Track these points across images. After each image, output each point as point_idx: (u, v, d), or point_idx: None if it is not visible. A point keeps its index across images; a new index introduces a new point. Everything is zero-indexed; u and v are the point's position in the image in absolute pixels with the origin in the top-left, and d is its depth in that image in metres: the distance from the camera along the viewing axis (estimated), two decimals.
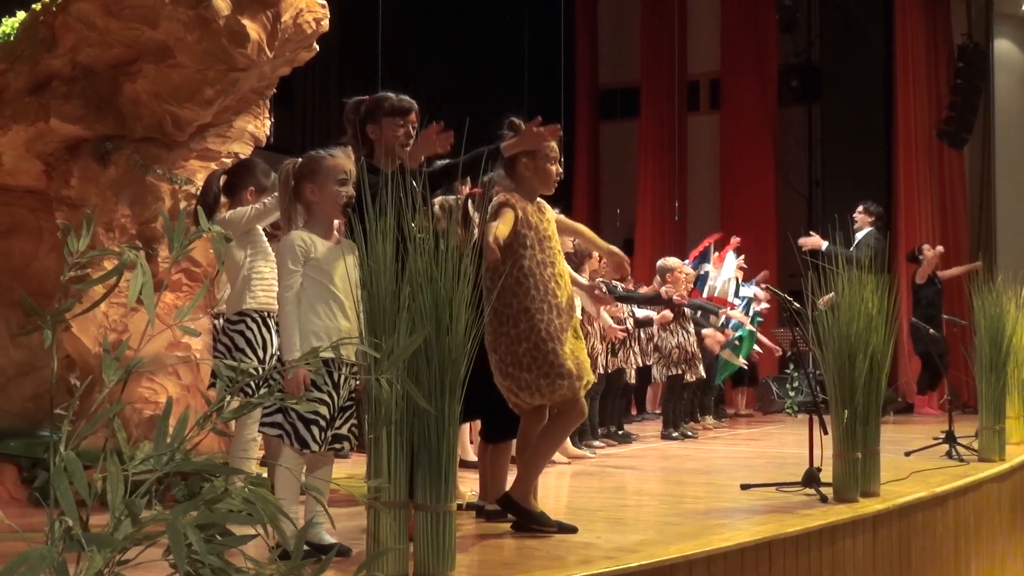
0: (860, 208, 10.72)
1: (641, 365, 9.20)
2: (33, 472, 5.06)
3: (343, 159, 4.02)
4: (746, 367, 11.13)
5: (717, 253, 10.63)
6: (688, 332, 9.36)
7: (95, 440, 2.48)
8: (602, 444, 8.19)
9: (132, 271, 2.20)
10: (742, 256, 10.90)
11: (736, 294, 10.70)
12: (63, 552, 2.01)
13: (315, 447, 3.73)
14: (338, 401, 3.78)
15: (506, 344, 4.29)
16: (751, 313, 10.82)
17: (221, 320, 5.10)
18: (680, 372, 9.27)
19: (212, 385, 4.84)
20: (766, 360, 13.58)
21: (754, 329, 10.96)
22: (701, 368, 9.53)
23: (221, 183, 4.93)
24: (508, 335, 4.29)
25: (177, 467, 2.19)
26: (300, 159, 4.10)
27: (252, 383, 4.41)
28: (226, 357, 4.60)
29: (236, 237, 4.71)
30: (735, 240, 10.75)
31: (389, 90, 4.55)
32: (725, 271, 10.44)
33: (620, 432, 8.77)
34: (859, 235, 10.42)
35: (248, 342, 4.73)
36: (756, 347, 11.40)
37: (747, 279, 11.12)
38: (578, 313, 6.85)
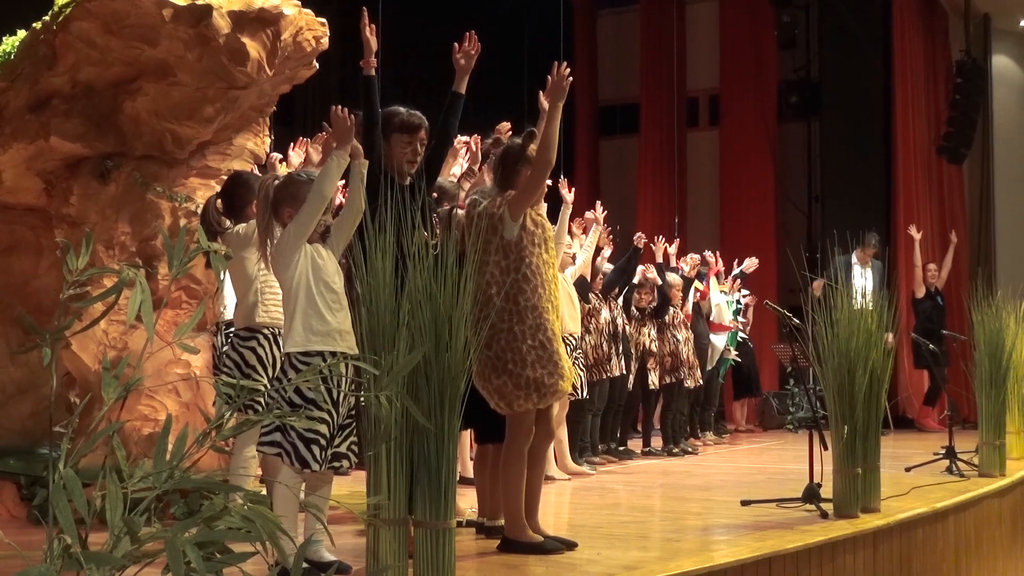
0: (875, 242, 10.75)
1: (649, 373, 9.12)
2: (32, 490, 5.05)
3: None
4: (739, 360, 11.09)
5: (703, 285, 10.46)
6: (679, 340, 9.32)
7: (94, 458, 2.48)
8: (602, 460, 8.18)
9: (131, 289, 2.21)
10: (728, 277, 10.89)
11: (733, 314, 10.70)
12: (62, 570, 2.01)
13: (315, 466, 3.72)
14: (337, 419, 3.77)
15: (507, 340, 4.22)
16: (733, 309, 10.80)
17: (223, 335, 5.04)
18: (676, 380, 9.25)
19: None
20: (767, 375, 13.57)
21: (737, 326, 10.96)
22: (699, 373, 9.50)
23: (218, 205, 4.81)
24: (511, 332, 4.22)
25: (176, 485, 2.19)
26: (281, 178, 4.09)
27: (261, 401, 4.39)
28: (234, 373, 4.50)
29: (249, 249, 4.64)
30: (716, 268, 10.68)
31: (389, 107, 4.55)
32: (713, 298, 10.41)
33: (621, 448, 8.74)
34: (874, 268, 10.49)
35: (259, 360, 4.55)
36: (743, 335, 11.40)
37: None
38: (571, 325, 6.90)
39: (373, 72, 4.49)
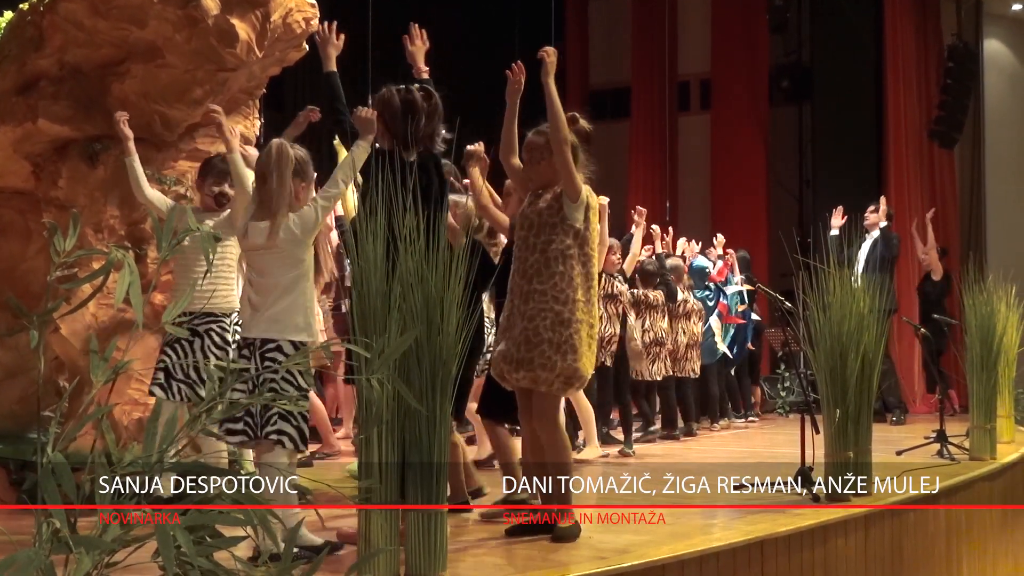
0: (871, 207, 10.76)
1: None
2: (22, 474, 5.04)
3: None
4: (752, 348, 11.07)
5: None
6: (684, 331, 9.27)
7: (84, 442, 2.47)
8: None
9: (119, 271, 2.19)
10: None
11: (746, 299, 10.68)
12: (51, 554, 2.00)
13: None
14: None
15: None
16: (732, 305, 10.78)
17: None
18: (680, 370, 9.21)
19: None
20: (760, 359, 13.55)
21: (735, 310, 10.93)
22: (694, 364, 9.45)
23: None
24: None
25: (166, 469, 2.18)
26: (297, 151, 4.07)
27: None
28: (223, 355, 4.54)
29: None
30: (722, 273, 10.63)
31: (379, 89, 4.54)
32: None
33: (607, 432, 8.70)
34: (876, 232, 10.48)
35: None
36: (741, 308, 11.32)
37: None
38: None
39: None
